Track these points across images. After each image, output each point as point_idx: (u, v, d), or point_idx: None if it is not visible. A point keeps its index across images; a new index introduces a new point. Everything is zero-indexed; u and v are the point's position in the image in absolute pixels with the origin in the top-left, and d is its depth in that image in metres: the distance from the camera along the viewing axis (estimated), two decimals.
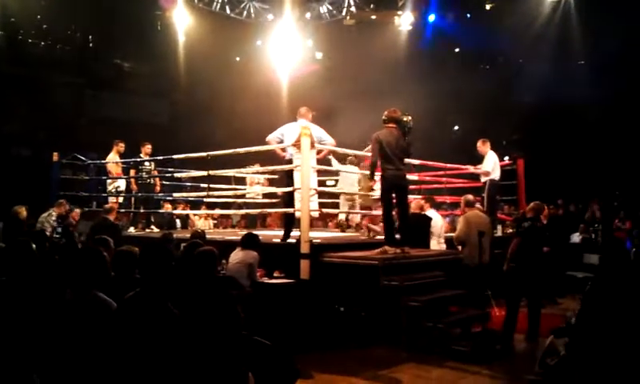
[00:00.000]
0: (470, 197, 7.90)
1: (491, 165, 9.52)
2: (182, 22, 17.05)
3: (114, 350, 2.97)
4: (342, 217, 9.68)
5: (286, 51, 17.78)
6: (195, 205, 12.54)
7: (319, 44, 19.36)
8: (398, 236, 6.79)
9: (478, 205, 8.46)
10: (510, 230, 9.74)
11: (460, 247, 7.55)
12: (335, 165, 8.75)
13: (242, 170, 9.45)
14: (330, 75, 18.47)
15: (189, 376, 3.14)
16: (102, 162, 10.58)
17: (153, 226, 9.88)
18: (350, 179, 8.87)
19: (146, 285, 3.21)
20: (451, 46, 19.18)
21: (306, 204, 6.72)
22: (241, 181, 11.15)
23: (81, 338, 3.03)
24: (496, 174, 9.52)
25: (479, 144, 9.70)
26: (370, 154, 7.02)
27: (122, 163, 10.26)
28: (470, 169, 10.10)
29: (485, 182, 9.51)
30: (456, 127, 20.62)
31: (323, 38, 19.11)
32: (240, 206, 11.48)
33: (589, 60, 16.41)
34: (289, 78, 18.20)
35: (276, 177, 10.28)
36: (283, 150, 7.30)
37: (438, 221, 8.11)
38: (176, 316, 3.09)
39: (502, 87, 17.39)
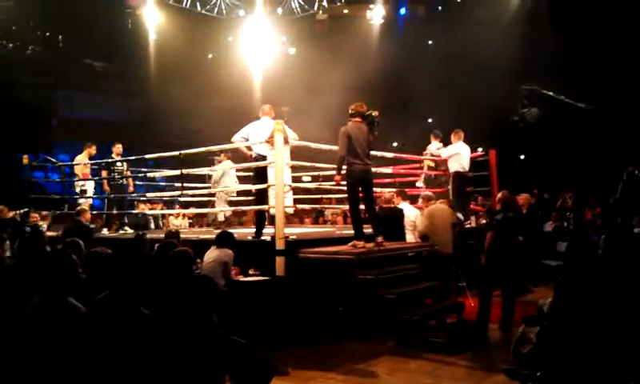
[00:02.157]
0: (428, 192, 8.09)
1: (447, 153, 9.72)
2: (153, 20, 16.85)
3: (84, 354, 2.94)
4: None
5: (258, 47, 17.71)
6: (171, 204, 12.45)
7: (292, 39, 19.32)
8: (369, 231, 6.83)
9: (428, 193, 8.63)
10: (484, 221, 9.86)
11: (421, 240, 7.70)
12: None
13: (215, 167, 9.41)
14: (303, 70, 18.44)
15: (162, 378, 3.12)
16: (73, 163, 10.44)
17: (127, 227, 9.78)
18: None
19: (116, 287, 3.18)
20: (423, 39, 19.29)
21: (281, 201, 6.72)
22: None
23: (50, 345, 2.99)
24: (460, 165, 9.64)
25: (452, 135, 9.83)
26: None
27: (92, 164, 10.14)
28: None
29: (451, 174, 9.70)
30: (430, 119, 20.75)
31: (296, 33, 19.07)
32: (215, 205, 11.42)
33: (560, 51, 16.61)
34: (262, 73, 18.13)
35: (249, 174, 10.24)
36: (249, 148, 7.33)
37: (410, 213, 8.17)
38: (146, 317, 3.06)
39: (476, 79, 17.53)
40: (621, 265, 4.10)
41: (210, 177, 11.12)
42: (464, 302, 7.30)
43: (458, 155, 9.67)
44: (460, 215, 8.93)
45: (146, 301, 3.29)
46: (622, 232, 4.46)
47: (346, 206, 8.50)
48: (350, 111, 6.92)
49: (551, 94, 15.61)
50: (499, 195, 7.19)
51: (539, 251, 9.72)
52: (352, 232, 7.02)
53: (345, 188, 7.90)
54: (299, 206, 8.58)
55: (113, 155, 9.93)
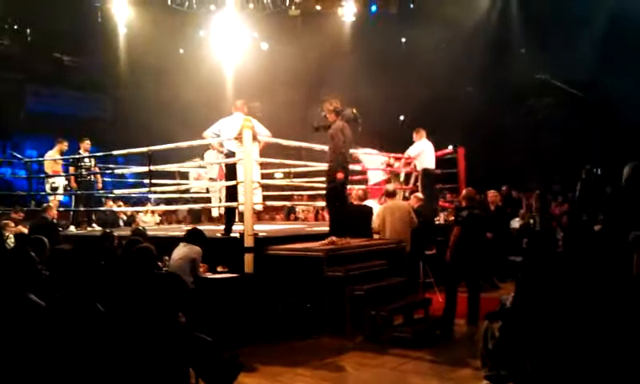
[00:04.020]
0: (390, 187, 8.19)
1: (414, 152, 9.87)
2: (123, 14, 16.62)
3: (42, 350, 2.92)
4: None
5: (229, 42, 17.60)
6: (141, 201, 12.32)
7: (264, 35, 19.23)
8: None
9: (418, 194, 8.71)
10: (452, 218, 9.99)
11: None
12: None
13: (184, 164, 9.36)
14: (275, 66, 18.38)
15: (123, 374, 3.12)
16: (41, 159, 10.28)
17: (94, 225, 9.67)
18: None
19: (75, 284, 3.17)
20: (395, 36, 19.38)
21: (249, 197, 6.73)
22: (185, 175, 11.02)
23: (7, 340, 2.96)
24: (426, 163, 9.79)
25: (414, 134, 10.00)
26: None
27: (62, 161, 9.99)
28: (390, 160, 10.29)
29: (419, 171, 9.85)
30: (402, 117, 20.86)
31: (268, 29, 18.99)
32: (187, 201, 11.36)
33: (531, 46, 16.83)
34: (234, 69, 18.03)
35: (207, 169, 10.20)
36: (221, 144, 7.31)
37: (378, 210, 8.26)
38: (102, 314, 3.05)
39: (447, 76, 17.67)
40: (578, 261, 4.21)
41: (181, 174, 11.06)
42: (431, 297, 7.39)
43: (423, 153, 9.84)
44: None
45: (106, 298, 3.28)
46: (582, 229, 4.57)
47: (317, 203, 8.55)
48: (335, 109, 6.90)
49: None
50: (464, 192, 7.31)
51: (506, 248, 9.90)
52: (322, 229, 7.08)
53: (316, 185, 7.97)
54: (269, 203, 8.59)
55: (80, 151, 9.80)
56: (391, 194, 8.23)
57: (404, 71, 16.96)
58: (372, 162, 9.89)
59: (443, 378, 5.13)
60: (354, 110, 6.95)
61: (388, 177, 9.97)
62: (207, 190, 10.11)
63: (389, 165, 10.20)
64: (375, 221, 7.88)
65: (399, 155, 10.10)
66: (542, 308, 4.14)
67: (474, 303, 6.88)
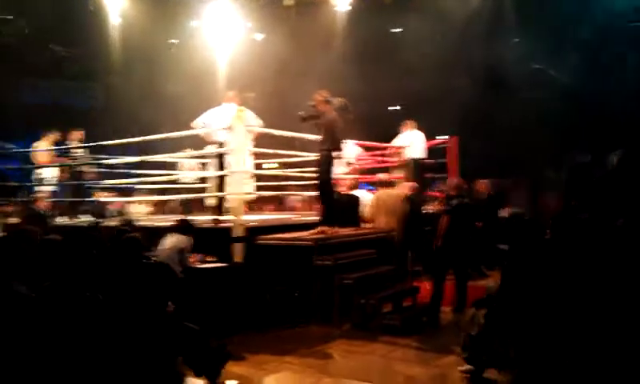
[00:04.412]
0: (382, 176, 8.29)
1: (402, 143, 10.09)
2: (115, 3, 16.56)
3: (30, 338, 2.96)
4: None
5: (222, 32, 17.54)
6: (132, 191, 12.31)
7: (258, 25, 19.16)
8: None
9: (409, 183, 8.77)
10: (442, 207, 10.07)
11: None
12: None
13: (174, 154, 9.39)
14: (269, 56, 18.33)
15: (112, 362, 3.16)
16: (34, 150, 10.27)
17: (84, 215, 9.67)
18: None
19: (65, 273, 3.21)
20: (390, 26, 19.36)
21: (240, 187, 6.77)
22: (176, 166, 11.03)
23: None
24: (416, 152, 9.91)
25: (401, 127, 10.13)
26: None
27: (55, 151, 9.99)
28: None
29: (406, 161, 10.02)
30: (398, 107, 20.85)
31: (263, 19, 18.92)
32: (179, 191, 11.37)
33: (523, 36, 16.82)
34: (227, 59, 17.98)
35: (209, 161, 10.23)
36: (210, 135, 7.34)
37: (367, 200, 8.31)
38: (94, 302, 3.09)
39: (441, 66, 17.65)
40: (564, 248, 4.26)
41: (171, 164, 11.05)
42: (420, 285, 7.46)
43: (412, 143, 10.06)
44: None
45: (95, 287, 3.32)
46: (569, 216, 4.62)
47: (308, 193, 8.60)
48: (324, 98, 6.92)
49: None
50: (453, 182, 7.36)
51: (495, 236, 9.96)
52: (313, 218, 7.14)
53: (308, 175, 8.00)
54: (260, 193, 8.63)
55: (70, 142, 9.80)
56: (385, 184, 8.32)
57: (398, 61, 16.96)
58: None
59: (429, 365, 5.21)
60: (343, 100, 6.96)
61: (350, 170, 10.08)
62: (201, 180, 10.12)
63: (382, 154, 10.28)
64: (368, 209, 7.94)
65: (387, 145, 10.21)
66: (527, 296, 4.20)
67: (462, 291, 6.94)
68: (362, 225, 8.09)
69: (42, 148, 9.87)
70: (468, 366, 4.62)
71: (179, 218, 6.59)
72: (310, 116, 6.92)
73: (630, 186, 4.76)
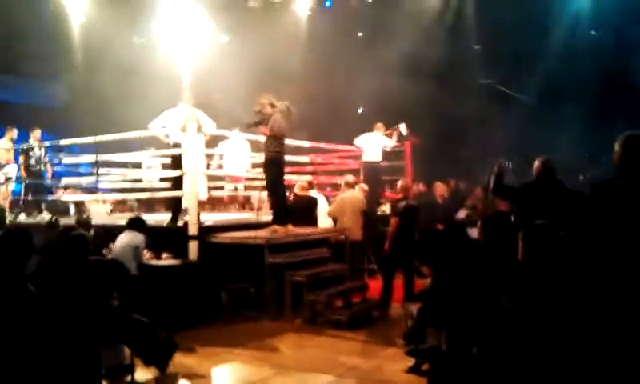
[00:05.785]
0: (350, 178, 8.52)
1: (359, 145, 10.32)
2: (79, 2, 16.49)
3: None
4: None
5: (186, 32, 17.58)
6: (92, 190, 12.30)
7: (223, 26, 19.25)
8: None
9: (363, 185, 9.05)
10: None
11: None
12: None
13: (130, 154, 9.51)
14: (234, 58, 18.44)
15: (51, 353, 3.33)
16: None
17: (44, 214, 9.72)
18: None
19: (5, 269, 3.36)
20: (353, 30, 19.63)
21: (194, 187, 6.96)
22: (138, 165, 11.11)
23: None
24: (371, 156, 10.20)
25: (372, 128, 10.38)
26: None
27: (14, 149, 10.02)
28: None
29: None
30: (360, 109, 21.14)
31: (227, 21, 19.01)
32: (142, 191, 11.43)
33: (487, 42, 17.22)
34: (191, 60, 18.01)
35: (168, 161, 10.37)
36: (167, 136, 7.51)
37: (322, 201, 8.60)
38: (32, 295, 3.26)
39: (405, 69, 17.95)
40: (489, 248, 4.54)
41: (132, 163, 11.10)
42: (369, 283, 7.75)
43: (366, 147, 10.26)
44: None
45: (38, 282, 3.49)
46: (499, 219, 4.91)
47: (257, 193, 8.88)
48: (269, 102, 7.16)
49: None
50: (401, 184, 7.64)
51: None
52: (269, 218, 7.40)
53: (261, 175, 8.22)
54: (214, 193, 8.82)
55: (31, 140, 9.85)
56: (350, 185, 8.55)
57: (361, 64, 17.23)
58: None
59: (371, 357, 5.49)
60: (287, 103, 7.24)
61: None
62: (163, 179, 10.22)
63: (339, 157, 10.55)
64: (332, 210, 8.26)
65: (342, 148, 10.46)
66: (455, 292, 4.49)
67: (410, 287, 7.23)
68: (323, 225, 8.36)
69: (6, 146, 9.91)
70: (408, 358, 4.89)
71: (132, 216, 6.76)
72: (254, 122, 7.19)
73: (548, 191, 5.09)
